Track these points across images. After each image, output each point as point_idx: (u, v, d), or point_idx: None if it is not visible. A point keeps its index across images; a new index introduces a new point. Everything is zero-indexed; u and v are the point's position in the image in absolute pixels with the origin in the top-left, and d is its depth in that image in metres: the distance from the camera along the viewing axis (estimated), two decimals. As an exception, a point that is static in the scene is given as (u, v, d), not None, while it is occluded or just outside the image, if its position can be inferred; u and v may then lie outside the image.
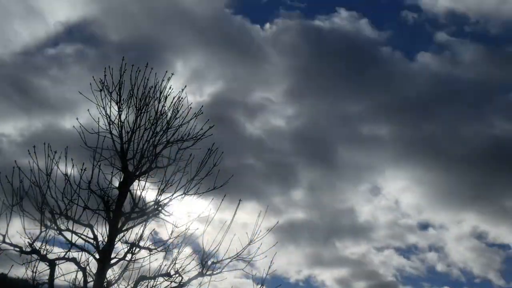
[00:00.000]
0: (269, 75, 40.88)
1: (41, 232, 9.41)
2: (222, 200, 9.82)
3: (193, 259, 9.88)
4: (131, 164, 10.15)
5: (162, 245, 10.02)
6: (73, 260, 9.57)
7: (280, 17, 43.85)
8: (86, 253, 9.65)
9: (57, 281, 9.48)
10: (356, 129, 41.93)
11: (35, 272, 9.30)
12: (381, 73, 42.01)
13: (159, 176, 10.11)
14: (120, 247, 9.90)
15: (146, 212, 10.06)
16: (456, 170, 40.83)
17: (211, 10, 40.39)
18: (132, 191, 10.07)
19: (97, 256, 9.64)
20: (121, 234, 9.89)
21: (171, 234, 10.00)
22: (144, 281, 9.76)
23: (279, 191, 36.92)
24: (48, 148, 9.53)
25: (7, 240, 9.38)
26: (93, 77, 10.07)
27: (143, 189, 10.04)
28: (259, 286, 9.91)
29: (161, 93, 10.30)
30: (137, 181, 10.09)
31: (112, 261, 9.71)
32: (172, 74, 10.37)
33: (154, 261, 9.90)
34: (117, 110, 10.16)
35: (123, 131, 10.16)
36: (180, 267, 9.82)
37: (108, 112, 10.13)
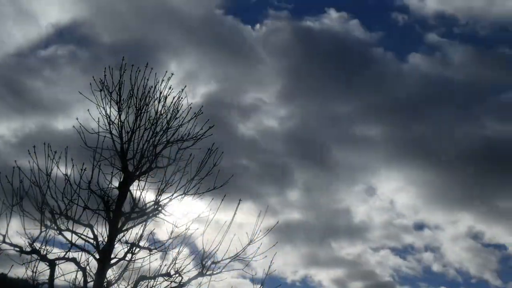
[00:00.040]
0: (262, 76, 40.95)
1: (41, 232, 9.41)
2: (222, 200, 9.84)
3: (193, 259, 9.92)
4: (131, 164, 10.15)
5: (162, 245, 10.04)
6: (73, 260, 9.56)
7: (269, 17, 43.85)
8: (86, 253, 9.66)
9: (57, 281, 9.49)
10: (349, 130, 42.13)
11: (35, 272, 9.30)
12: (372, 74, 42.22)
13: (159, 176, 10.14)
14: (120, 247, 9.92)
15: (146, 212, 10.07)
16: (448, 170, 41.10)
17: (201, 10, 40.41)
18: (132, 191, 10.08)
19: (97, 256, 9.64)
20: (121, 234, 9.90)
21: (171, 234, 10.02)
22: (144, 281, 9.77)
23: (274, 191, 36.99)
24: (48, 148, 9.53)
25: (7, 240, 9.38)
26: (93, 77, 10.09)
27: (143, 189, 10.06)
28: (259, 286, 9.95)
29: (161, 93, 10.32)
30: (137, 181, 10.10)
31: (112, 261, 9.71)
32: (172, 74, 10.39)
33: (154, 261, 9.93)
34: (117, 110, 10.17)
35: (123, 131, 10.16)
36: (180, 267, 9.84)
37: (108, 112, 10.15)
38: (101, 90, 10.08)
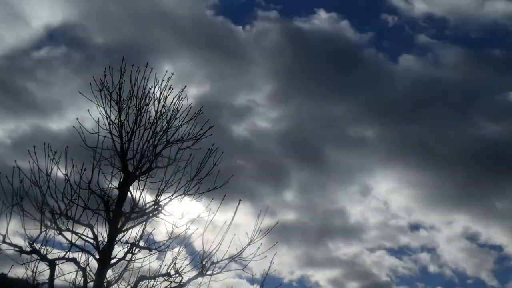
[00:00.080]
0: (255, 77, 40.89)
1: (41, 232, 9.39)
2: (222, 200, 9.86)
3: (193, 259, 9.93)
4: (131, 164, 10.15)
5: (162, 245, 10.04)
6: (73, 260, 9.55)
7: (258, 18, 43.68)
8: (86, 253, 9.64)
9: (57, 281, 9.47)
10: (343, 131, 42.06)
11: (35, 272, 9.28)
12: (365, 75, 42.25)
13: (159, 176, 10.14)
14: (120, 247, 9.91)
15: (146, 212, 10.07)
16: (443, 171, 41.19)
17: (192, 11, 40.31)
18: (132, 191, 10.08)
19: (97, 256, 9.63)
20: (121, 234, 9.89)
21: (171, 234, 10.03)
22: (144, 281, 9.77)
23: (270, 192, 36.98)
24: (48, 148, 9.52)
25: (7, 240, 9.37)
26: (93, 77, 10.09)
27: (143, 189, 10.06)
28: (259, 286, 9.98)
29: (161, 93, 10.33)
30: (137, 181, 10.10)
31: (112, 261, 9.70)
32: (172, 74, 10.40)
33: (154, 261, 9.94)
34: (117, 110, 10.17)
35: (123, 131, 10.16)
36: (180, 267, 9.85)
37: (108, 112, 10.14)
38: (101, 90, 10.09)
